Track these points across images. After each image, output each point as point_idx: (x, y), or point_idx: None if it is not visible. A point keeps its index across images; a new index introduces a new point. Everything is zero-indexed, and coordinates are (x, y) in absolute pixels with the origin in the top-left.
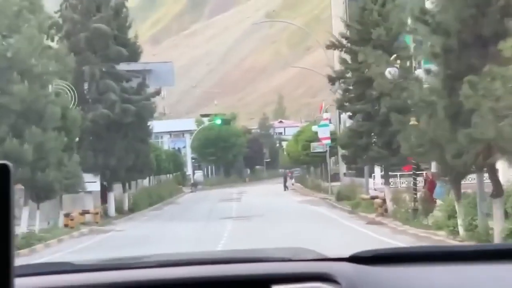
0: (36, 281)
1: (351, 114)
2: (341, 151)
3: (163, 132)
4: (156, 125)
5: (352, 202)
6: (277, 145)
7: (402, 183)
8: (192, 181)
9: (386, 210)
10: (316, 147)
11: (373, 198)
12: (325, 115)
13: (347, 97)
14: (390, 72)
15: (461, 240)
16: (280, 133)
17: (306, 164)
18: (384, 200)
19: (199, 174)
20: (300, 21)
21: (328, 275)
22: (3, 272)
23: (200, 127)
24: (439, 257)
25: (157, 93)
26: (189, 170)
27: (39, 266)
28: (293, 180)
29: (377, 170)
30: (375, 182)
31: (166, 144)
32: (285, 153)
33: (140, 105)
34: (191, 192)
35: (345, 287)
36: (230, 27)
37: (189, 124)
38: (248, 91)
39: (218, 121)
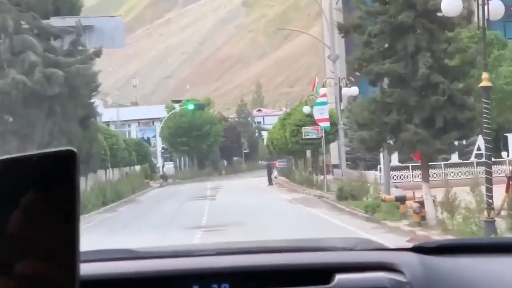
0: (98, 267)
1: (372, 78)
2: (345, 137)
3: (131, 120)
4: (122, 113)
5: (363, 204)
6: (256, 134)
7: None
8: (162, 174)
9: (423, 218)
10: (309, 132)
11: (400, 199)
12: (322, 91)
13: (368, 54)
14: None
15: None
16: (259, 123)
17: (294, 153)
18: (421, 203)
19: (169, 167)
20: (278, 8)
21: (391, 264)
22: (70, 258)
23: (170, 113)
24: (505, 249)
25: (97, 54)
26: (159, 162)
27: (101, 253)
28: (275, 173)
29: (382, 162)
30: (381, 175)
31: (134, 133)
32: (265, 143)
33: (72, 71)
34: (160, 187)
35: (409, 276)
36: (206, 15)
37: (159, 111)
38: (224, 81)
39: (191, 106)
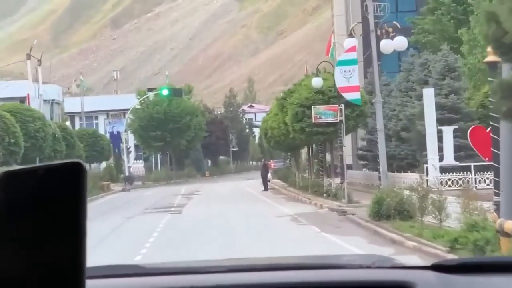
0: (105, 283)
1: None
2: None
3: (98, 111)
4: (87, 102)
5: (440, 232)
6: (247, 130)
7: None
8: (126, 176)
9: None
10: (322, 114)
11: None
12: (349, 43)
13: None
14: None
15: None
16: (251, 120)
17: (296, 148)
18: None
19: (136, 166)
20: (272, 3)
21: (409, 283)
22: (76, 274)
23: (140, 99)
24: None
25: None
26: (131, 160)
27: (108, 269)
28: (269, 175)
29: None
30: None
31: (102, 127)
32: (256, 140)
33: None
34: (122, 191)
35: None
36: (196, 10)
37: (132, 100)
38: (215, 79)
39: (165, 92)
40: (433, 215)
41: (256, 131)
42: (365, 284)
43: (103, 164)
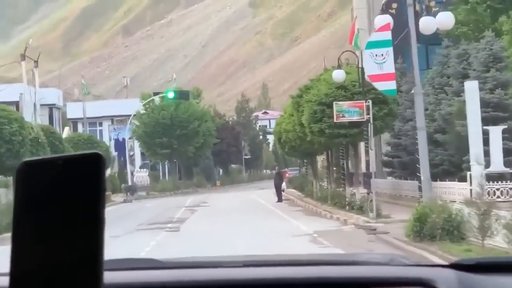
0: (123, 275)
1: None
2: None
3: (102, 117)
4: (90, 107)
5: None
6: (260, 137)
7: None
8: (128, 185)
9: None
10: (345, 112)
11: None
12: (381, 20)
13: None
14: None
15: None
16: (265, 126)
17: (313, 153)
18: None
19: (140, 175)
20: (287, 9)
21: (428, 280)
22: (94, 265)
23: (145, 105)
24: None
25: None
26: (137, 169)
27: (126, 262)
28: (284, 185)
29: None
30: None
31: (107, 134)
32: (270, 148)
33: None
34: (124, 202)
35: None
36: (209, 17)
37: (139, 105)
38: (228, 86)
39: (170, 94)
40: (497, 236)
41: (270, 138)
42: (385, 280)
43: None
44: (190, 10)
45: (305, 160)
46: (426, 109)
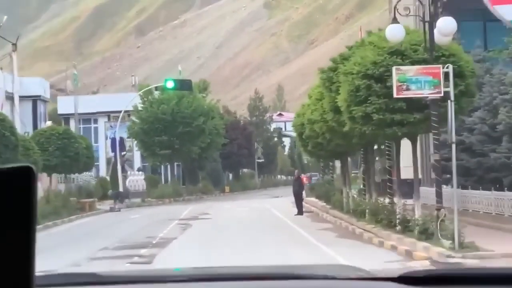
0: None
1: None
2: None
3: (97, 113)
4: (83, 102)
5: None
6: (275, 139)
7: None
8: (116, 191)
9: None
10: (413, 82)
11: None
12: None
13: None
14: None
15: None
16: (280, 129)
17: (344, 153)
18: None
19: (134, 179)
20: (303, 11)
21: None
22: (24, 283)
23: (143, 98)
24: (494, 280)
25: None
26: (131, 171)
27: (65, 276)
28: (304, 193)
29: None
30: None
31: (103, 131)
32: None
33: None
34: (110, 211)
35: None
36: (224, 18)
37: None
38: (242, 89)
39: (170, 84)
40: None
41: (286, 141)
42: None
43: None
44: (204, 11)
45: (330, 163)
46: (505, 92)
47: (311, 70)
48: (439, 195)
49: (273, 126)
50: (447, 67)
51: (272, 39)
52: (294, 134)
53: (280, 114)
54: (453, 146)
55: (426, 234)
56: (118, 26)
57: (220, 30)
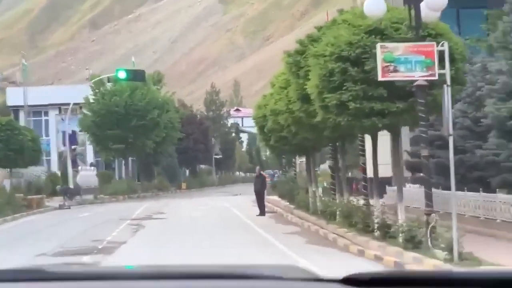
0: (6, 287)
1: None
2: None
3: (48, 105)
4: (34, 94)
5: None
6: (233, 134)
7: None
8: (65, 187)
9: None
10: (402, 62)
11: None
12: None
13: None
14: None
15: None
16: (237, 125)
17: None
18: None
19: (85, 174)
20: (259, 7)
21: None
22: None
23: (94, 89)
24: (438, 282)
25: None
26: (82, 167)
27: (10, 273)
28: (265, 192)
29: None
30: None
31: (53, 124)
32: (244, 147)
33: None
34: (60, 208)
35: None
36: (179, 12)
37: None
38: (198, 84)
39: (122, 74)
40: None
41: (244, 137)
42: None
43: (37, 171)
44: (160, 5)
45: (293, 159)
46: (495, 82)
47: (267, 66)
48: (429, 197)
49: (231, 121)
50: (442, 45)
51: (228, 34)
52: (252, 130)
53: (238, 110)
54: (450, 139)
55: (413, 243)
56: (72, 20)
57: (175, 24)
